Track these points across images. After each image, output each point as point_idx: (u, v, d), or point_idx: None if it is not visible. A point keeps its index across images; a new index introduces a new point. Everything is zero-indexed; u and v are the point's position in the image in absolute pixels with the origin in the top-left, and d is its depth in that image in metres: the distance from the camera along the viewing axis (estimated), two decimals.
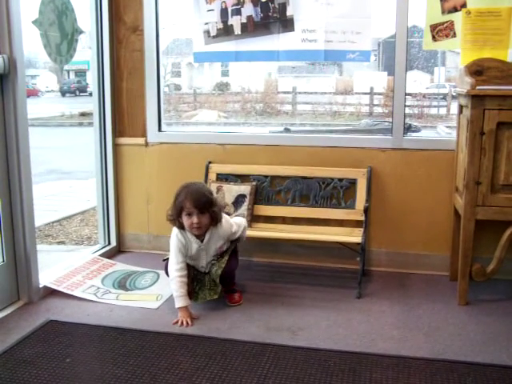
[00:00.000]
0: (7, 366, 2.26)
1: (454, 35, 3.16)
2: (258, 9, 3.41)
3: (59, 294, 3.04)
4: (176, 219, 2.80)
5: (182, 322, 2.68)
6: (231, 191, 3.48)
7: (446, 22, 3.16)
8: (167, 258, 2.90)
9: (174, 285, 2.77)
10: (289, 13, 3.38)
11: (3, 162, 2.80)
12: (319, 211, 3.41)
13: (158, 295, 3.06)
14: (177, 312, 2.74)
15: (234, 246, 2.98)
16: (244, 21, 3.45)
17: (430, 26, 3.19)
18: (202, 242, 2.83)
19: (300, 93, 6.50)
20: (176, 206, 2.78)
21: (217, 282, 2.84)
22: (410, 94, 5.25)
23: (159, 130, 3.72)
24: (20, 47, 2.74)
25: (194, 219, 2.74)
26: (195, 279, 2.89)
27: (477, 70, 2.94)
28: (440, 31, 3.17)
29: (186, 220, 2.76)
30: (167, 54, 4.92)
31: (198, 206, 2.73)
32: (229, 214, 3.09)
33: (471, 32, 3.08)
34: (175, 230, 2.85)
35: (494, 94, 2.69)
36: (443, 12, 3.16)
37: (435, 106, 6.22)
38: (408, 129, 3.53)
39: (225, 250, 2.93)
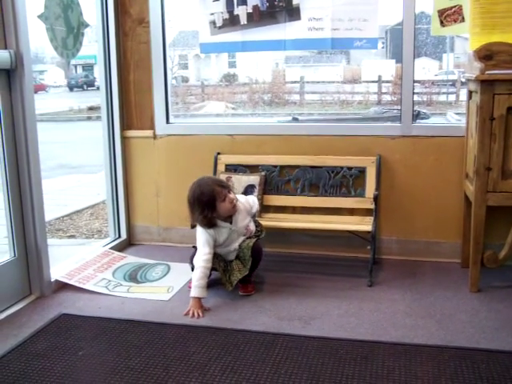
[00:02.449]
0: (21, 359, 2.28)
1: (463, 20, 3.13)
2: None
3: (71, 287, 3.05)
4: (211, 217, 2.79)
5: (194, 314, 2.68)
6: (240, 182, 3.47)
7: (454, 6, 3.12)
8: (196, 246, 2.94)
9: (196, 274, 2.78)
10: (295, 1, 3.35)
11: (12, 157, 2.80)
12: (329, 200, 3.40)
13: (169, 287, 3.06)
14: (188, 303, 2.75)
15: (257, 237, 3.01)
16: (250, 10, 3.43)
17: (438, 12, 3.16)
18: (231, 223, 2.87)
19: (308, 82, 6.47)
20: (206, 204, 2.77)
21: (247, 256, 2.86)
22: (418, 82, 5.21)
23: (167, 122, 3.72)
24: (26, 42, 2.74)
25: (231, 196, 2.81)
26: (226, 270, 2.91)
27: (486, 55, 2.90)
28: (448, 16, 3.13)
29: (223, 206, 2.79)
30: (174, 46, 4.91)
31: (225, 185, 2.85)
32: None
33: (480, 16, 3.03)
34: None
35: (504, 78, 2.66)
36: None
37: (444, 93, 6.17)
38: (417, 116, 3.51)
39: (253, 235, 2.99)
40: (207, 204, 2.77)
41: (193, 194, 2.81)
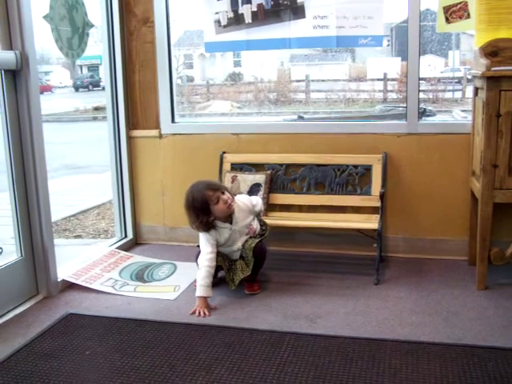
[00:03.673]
0: (28, 359, 2.28)
1: (468, 16, 3.11)
2: None
3: (77, 287, 3.06)
4: (207, 221, 2.81)
5: (200, 313, 2.69)
6: (246, 181, 3.47)
7: (460, 2, 3.11)
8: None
9: (201, 273, 2.79)
10: None
11: (18, 157, 2.81)
12: (335, 198, 3.40)
13: (175, 286, 3.07)
14: (194, 302, 2.75)
15: (261, 236, 3.00)
16: (254, 9, 3.42)
17: (444, 8, 3.15)
18: (231, 223, 2.87)
19: (313, 81, 6.46)
20: (200, 209, 2.79)
21: (249, 257, 2.86)
22: (424, 79, 5.19)
23: (173, 121, 3.72)
24: (32, 43, 2.75)
25: (225, 197, 2.80)
26: (230, 269, 2.92)
27: (492, 51, 2.89)
28: (453, 13, 3.12)
29: (218, 208, 2.80)
30: (179, 46, 4.91)
31: (218, 188, 2.82)
32: None
33: (486, 12, 3.02)
34: None
35: (510, 74, 2.65)
36: None
37: (450, 90, 6.15)
38: (423, 113, 3.50)
39: (257, 234, 2.99)
40: (201, 209, 2.79)
41: (186, 201, 2.84)
